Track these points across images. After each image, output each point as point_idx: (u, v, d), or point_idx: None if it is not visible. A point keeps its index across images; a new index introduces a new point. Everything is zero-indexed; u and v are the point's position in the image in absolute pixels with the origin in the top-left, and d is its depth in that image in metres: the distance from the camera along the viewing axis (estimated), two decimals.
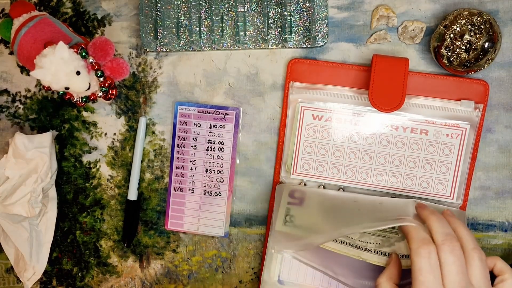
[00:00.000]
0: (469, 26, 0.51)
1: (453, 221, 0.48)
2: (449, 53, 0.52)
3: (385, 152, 0.56)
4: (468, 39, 0.51)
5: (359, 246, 0.55)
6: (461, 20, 0.51)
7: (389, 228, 0.54)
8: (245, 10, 0.57)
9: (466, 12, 0.51)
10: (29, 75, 0.62)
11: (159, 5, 0.58)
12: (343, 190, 0.57)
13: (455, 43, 0.52)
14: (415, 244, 0.45)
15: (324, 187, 0.58)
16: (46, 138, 0.60)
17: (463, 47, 0.52)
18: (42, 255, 0.62)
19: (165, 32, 0.59)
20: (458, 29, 0.51)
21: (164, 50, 0.59)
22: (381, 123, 0.56)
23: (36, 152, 0.58)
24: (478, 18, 0.51)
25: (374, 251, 0.55)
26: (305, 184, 0.58)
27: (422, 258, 0.44)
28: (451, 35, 0.52)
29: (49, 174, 0.59)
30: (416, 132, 0.55)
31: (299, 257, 0.55)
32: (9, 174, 0.58)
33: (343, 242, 0.55)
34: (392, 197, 0.56)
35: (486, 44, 0.51)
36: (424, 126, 0.55)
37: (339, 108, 0.56)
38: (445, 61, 0.53)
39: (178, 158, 0.61)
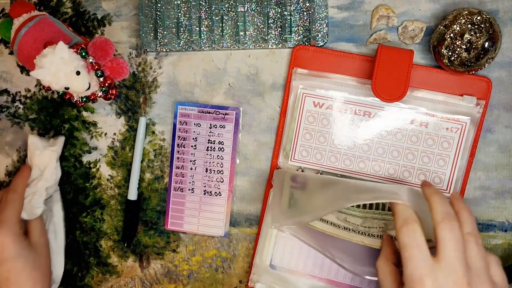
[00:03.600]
0: (469, 26, 0.51)
1: (457, 203, 0.47)
2: (450, 53, 0.52)
3: (384, 143, 0.56)
4: (468, 38, 0.51)
5: (362, 232, 0.55)
6: (461, 19, 0.51)
7: (390, 211, 0.54)
8: (245, 10, 0.57)
9: (466, 12, 0.51)
10: (29, 75, 0.62)
11: (159, 5, 0.58)
12: None
13: (456, 42, 0.52)
14: (398, 223, 0.45)
15: (321, 175, 0.58)
16: (59, 141, 0.61)
17: (464, 47, 0.52)
18: (57, 263, 0.61)
19: (165, 32, 0.59)
20: (458, 28, 0.52)
21: (164, 50, 0.59)
22: (381, 114, 0.56)
23: (45, 151, 0.59)
24: (478, 17, 0.51)
25: (377, 236, 0.55)
26: (302, 171, 0.58)
27: (405, 236, 0.44)
28: (451, 35, 0.52)
29: (54, 175, 0.59)
30: (416, 124, 0.55)
31: (299, 236, 0.54)
32: None
33: (346, 228, 0.55)
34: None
35: (487, 43, 0.51)
36: (424, 118, 0.55)
37: (340, 97, 0.56)
38: (445, 60, 0.53)
39: (178, 158, 0.61)
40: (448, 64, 0.53)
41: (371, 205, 0.56)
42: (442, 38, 0.52)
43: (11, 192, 0.56)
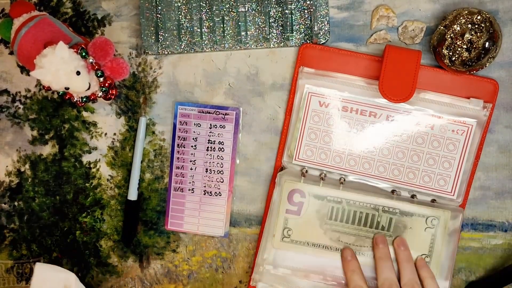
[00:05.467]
0: (469, 25, 0.51)
1: (422, 271, 0.54)
2: (451, 53, 0.52)
3: (389, 144, 0.56)
4: (469, 38, 0.51)
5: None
6: (461, 19, 0.51)
7: (383, 231, 0.56)
8: (246, 10, 0.57)
9: (466, 12, 0.51)
10: (29, 75, 0.62)
11: (159, 7, 0.58)
12: (344, 180, 0.57)
13: (456, 42, 0.52)
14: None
15: (325, 175, 0.58)
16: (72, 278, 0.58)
17: (464, 46, 0.52)
18: None
19: (166, 35, 0.59)
20: (458, 28, 0.52)
21: (166, 52, 0.59)
22: (387, 115, 0.56)
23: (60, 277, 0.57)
24: (478, 17, 0.51)
25: (368, 255, 0.57)
26: (306, 171, 0.58)
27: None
28: (452, 35, 0.52)
29: None
30: (422, 125, 0.55)
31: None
32: None
33: (338, 249, 0.57)
34: (392, 191, 0.57)
35: (487, 43, 0.51)
36: (430, 120, 0.55)
37: (346, 97, 0.56)
38: (446, 61, 0.53)
39: (178, 158, 0.61)
40: (449, 64, 0.53)
41: (365, 223, 0.56)
42: (442, 38, 0.52)
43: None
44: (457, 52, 0.52)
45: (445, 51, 0.52)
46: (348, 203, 0.56)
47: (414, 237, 0.56)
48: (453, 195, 0.56)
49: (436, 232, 0.55)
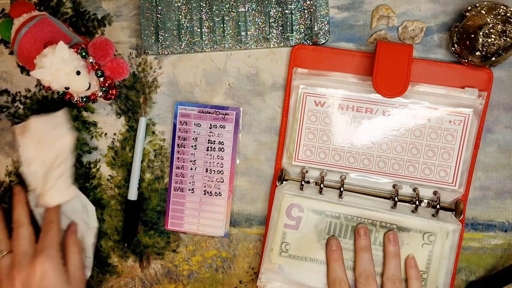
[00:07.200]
0: (504, 17, 0.51)
1: (409, 271, 0.55)
2: (484, 40, 0.51)
3: (388, 138, 0.56)
4: (503, 29, 0.51)
5: (351, 267, 0.56)
6: (498, 10, 0.51)
7: (381, 247, 0.56)
8: (246, 10, 0.58)
9: (504, 7, 0.51)
10: (29, 75, 0.62)
11: (159, 7, 0.58)
12: (345, 178, 0.57)
13: (491, 30, 0.51)
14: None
15: (325, 174, 0.58)
16: (61, 117, 0.59)
17: (497, 36, 0.51)
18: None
19: (166, 35, 0.59)
20: (495, 19, 0.51)
21: (166, 52, 0.59)
22: (383, 110, 0.56)
23: (57, 133, 0.58)
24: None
25: None
26: (307, 171, 0.58)
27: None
28: (492, 21, 0.51)
29: (71, 153, 0.59)
30: (419, 118, 0.55)
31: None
32: (34, 165, 0.57)
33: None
34: (393, 185, 0.57)
35: None
36: (427, 112, 0.55)
37: (341, 95, 0.56)
38: (479, 46, 0.51)
39: (178, 158, 0.61)
40: (481, 51, 0.51)
41: None
42: (477, 24, 0.51)
43: (47, 222, 0.57)
44: (492, 39, 0.51)
45: (480, 38, 0.51)
46: (346, 218, 0.56)
47: (411, 253, 0.56)
48: (455, 186, 0.56)
49: (434, 248, 0.55)
